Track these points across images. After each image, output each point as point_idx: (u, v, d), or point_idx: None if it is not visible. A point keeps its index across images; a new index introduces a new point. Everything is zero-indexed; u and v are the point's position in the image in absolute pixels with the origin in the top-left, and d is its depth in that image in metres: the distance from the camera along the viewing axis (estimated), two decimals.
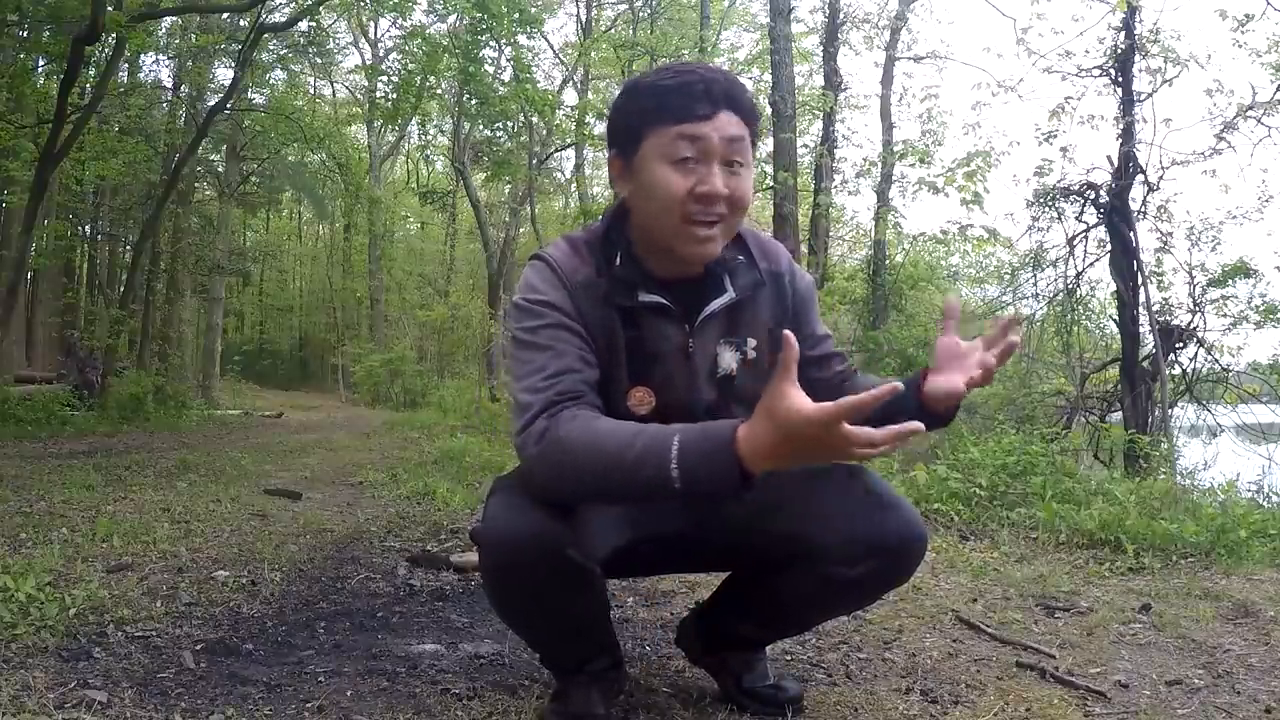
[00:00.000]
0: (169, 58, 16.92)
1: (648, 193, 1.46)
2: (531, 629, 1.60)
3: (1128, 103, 8.18)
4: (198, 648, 1.98)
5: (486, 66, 14.04)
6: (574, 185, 22.74)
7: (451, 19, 15.06)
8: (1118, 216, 8.03)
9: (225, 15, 14.62)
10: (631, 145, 1.48)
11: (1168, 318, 8.35)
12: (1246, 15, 8.25)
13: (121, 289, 15.09)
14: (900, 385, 1.20)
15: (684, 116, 1.43)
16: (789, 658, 2.04)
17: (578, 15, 20.04)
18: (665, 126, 1.44)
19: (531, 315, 1.47)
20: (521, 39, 13.01)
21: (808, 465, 1.68)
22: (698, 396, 1.55)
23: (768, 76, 9.82)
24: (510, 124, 16.62)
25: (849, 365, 1.69)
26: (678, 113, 1.43)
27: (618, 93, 1.60)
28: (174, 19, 14.61)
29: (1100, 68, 8.31)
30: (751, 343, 1.57)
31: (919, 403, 1.46)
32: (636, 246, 1.53)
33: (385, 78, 16.98)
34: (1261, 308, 8.47)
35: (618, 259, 1.51)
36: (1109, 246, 8.25)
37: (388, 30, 23.14)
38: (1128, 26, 8.13)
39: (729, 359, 1.56)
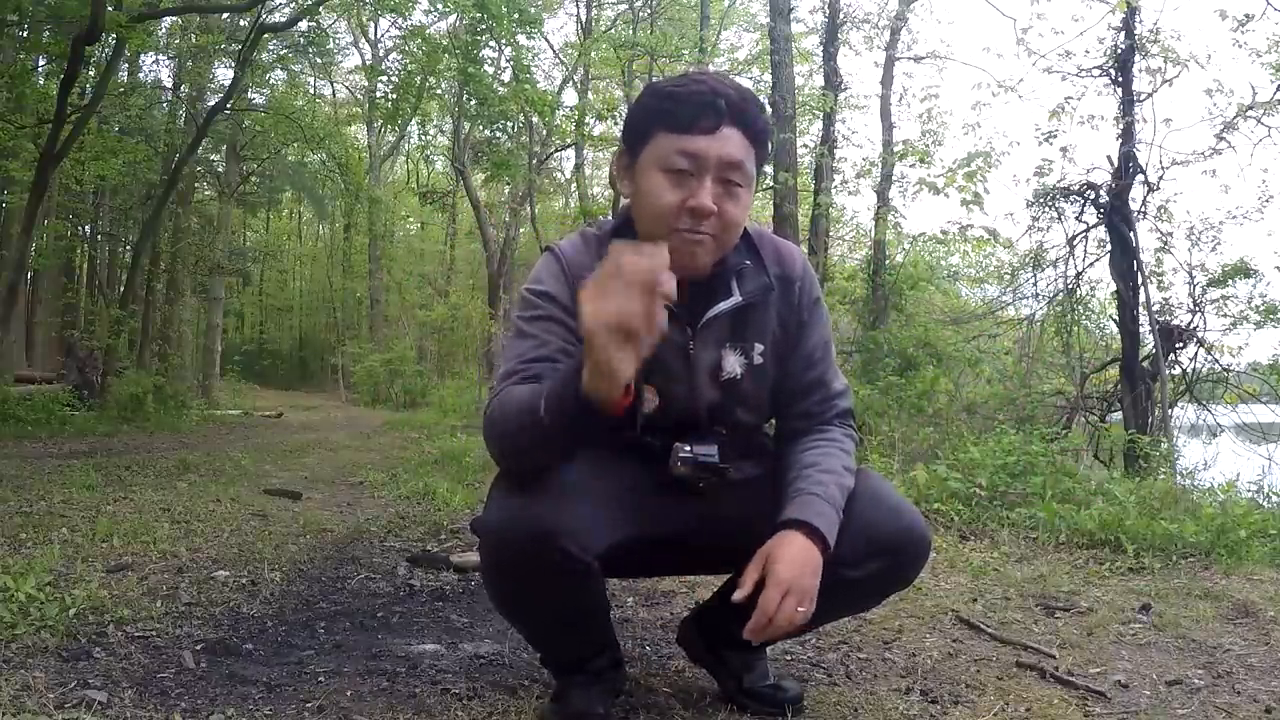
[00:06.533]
0: (169, 58, 16.96)
1: (643, 197, 1.49)
2: (528, 622, 1.60)
3: (1128, 103, 8.17)
4: (198, 648, 1.98)
5: (486, 67, 14.02)
6: (574, 185, 22.74)
7: (451, 19, 15.07)
8: (1118, 216, 8.02)
9: (225, 15, 14.62)
10: (638, 146, 1.50)
11: (1168, 318, 8.33)
12: (1246, 15, 8.23)
13: (121, 289, 15.06)
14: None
15: (686, 128, 1.44)
16: (789, 658, 2.04)
17: (578, 15, 20.04)
18: (668, 135, 1.45)
19: (529, 305, 1.53)
20: (521, 39, 13.00)
21: None
22: (699, 397, 1.55)
23: (768, 76, 9.82)
24: (510, 124, 16.60)
25: (839, 404, 1.62)
26: (682, 123, 1.44)
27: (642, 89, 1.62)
28: (174, 19, 14.61)
29: (1100, 68, 8.29)
30: (759, 348, 1.57)
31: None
32: None
33: (385, 78, 17.01)
34: (1261, 308, 8.44)
35: None
36: (1109, 246, 8.24)
37: (388, 30, 23.16)
38: (1128, 26, 8.11)
39: (733, 363, 1.56)
